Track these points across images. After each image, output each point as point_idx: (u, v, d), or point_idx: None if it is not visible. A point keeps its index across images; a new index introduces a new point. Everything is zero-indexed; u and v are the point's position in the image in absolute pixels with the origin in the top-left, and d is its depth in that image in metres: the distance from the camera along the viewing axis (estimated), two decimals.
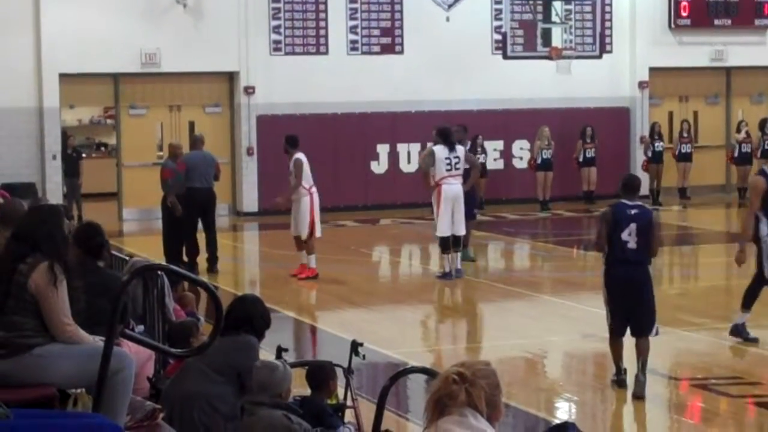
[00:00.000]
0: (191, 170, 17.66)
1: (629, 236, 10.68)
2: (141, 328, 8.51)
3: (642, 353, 10.69)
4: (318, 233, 17.27)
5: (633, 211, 10.76)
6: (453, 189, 16.81)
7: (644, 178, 27.19)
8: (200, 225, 17.95)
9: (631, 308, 10.76)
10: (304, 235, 17.15)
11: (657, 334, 10.86)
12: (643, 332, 10.73)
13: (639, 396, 10.55)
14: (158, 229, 19.12)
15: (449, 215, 16.83)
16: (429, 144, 18.92)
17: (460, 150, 17.02)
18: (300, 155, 17.08)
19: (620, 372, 10.92)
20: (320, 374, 7.66)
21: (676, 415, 10.63)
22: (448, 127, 17.46)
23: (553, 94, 26.37)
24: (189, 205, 17.67)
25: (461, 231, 17.02)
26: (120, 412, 5.93)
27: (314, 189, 17.24)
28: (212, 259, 17.91)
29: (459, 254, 17.17)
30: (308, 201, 17.07)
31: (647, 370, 10.69)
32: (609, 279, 10.93)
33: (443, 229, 16.88)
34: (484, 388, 4.43)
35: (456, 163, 16.82)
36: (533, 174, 25.96)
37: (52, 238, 6.15)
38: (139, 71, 24.37)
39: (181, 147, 18.61)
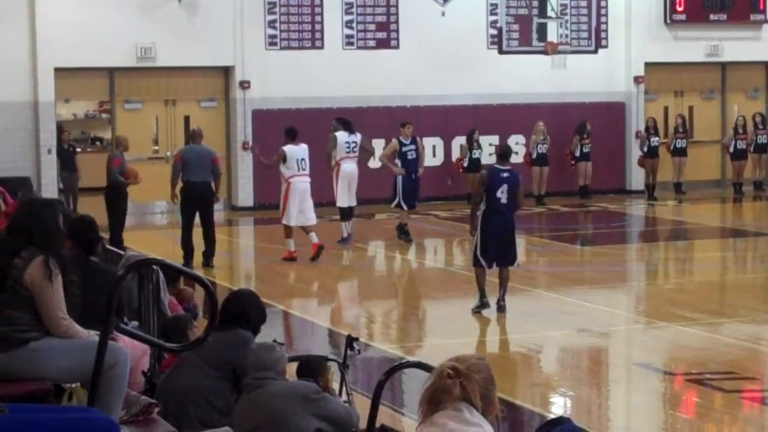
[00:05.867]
0: (186, 164, 17.66)
1: (502, 193, 13.85)
2: (135, 323, 8.49)
3: (504, 282, 14.09)
4: (288, 221, 18.22)
5: (505, 174, 13.96)
6: (350, 168, 19.74)
7: (640, 174, 27.29)
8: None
9: (500, 246, 13.92)
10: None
11: (518, 266, 14.50)
12: (507, 263, 14.02)
13: (500, 312, 13.95)
14: (154, 224, 19.16)
15: (346, 189, 19.71)
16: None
17: (358, 136, 19.89)
18: (287, 147, 18.36)
19: (484, 297, 13.99)
20: (309, 369, 7.63)
21: (670, 410, 10.65)
22: (345, 117, 20.60)
23: (549, 89, 26.36)
24: (185, 199, 17.70)
25: (354, 202, 19.99)
26: (115, 406, 5.92)
27: (295, 179, 18.20)
28: (208, 254, 17.76)
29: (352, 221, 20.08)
30: (284, 189, 18.28)
31: None
32: (486, 225, 13.90)
33: (342, 201, 19.77)
34: (479, 383, 4.42)
35: (354, 147, 19.78)
36: (529, 169, 25.94)
37: (47, 232, 6.13)
38: (134, 65, 24.34)
39: (126, 140, 19.85)
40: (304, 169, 18.32)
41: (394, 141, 20.50)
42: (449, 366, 4.43)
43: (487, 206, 13.88)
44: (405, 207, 20.10)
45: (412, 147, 20.35)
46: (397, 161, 20.19)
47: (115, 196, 18.57)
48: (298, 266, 17.92)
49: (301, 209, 18.28)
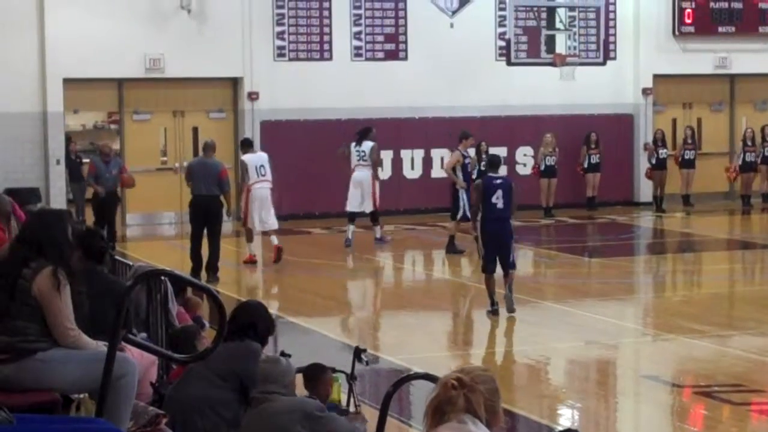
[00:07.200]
0: (192, 177, 17.66)
1: (497, 199, 14.59)
2: (144, 335, 8.50)
3: (509, 282, 14.54)
4: (251, 224, 18.95)
5: (498, 181, 14.83)
6: (359, 175, 20.75)
7: (648, 185, 27.26)
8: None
9: (500, 251, 14.60)
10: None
11: (515, 268, 14.83)
12: (509, 267, 14.59)
13: (510, 310, 14.40)
14: (162, 235, 19.14)
15: (356, 195, 20.74)
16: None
17: (367, 144, 20.69)
18: (245, 156, 19.23)
19: (494, 304, 14.54)
20: (311, 373, 7.67)
21: (678, 422, 10.63)
22: (368, 127, 21.35)
23: (557, 100, 26.36)
24: (190, 212, 17.64)
25: (369, 208, 20.80)
26: (123, 417, 5.93)
27: (256, 186, 18.82)
28: (209, 268, 17.41)
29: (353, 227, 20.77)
30: (244, 196, 19.07)
31: None
32: (486, 231, 14.66)
33: (352, 206, 20.77)
34: (483, 394, 4.41)
35: (363, 156, 20.69)
36: (537, 181, 25.95)
37: (56, 243, 6.16)
38: (143, 76, 24.39)
39: (107, 146, 20.68)
40: (263, 175, 18.91)
41: (458, 152, 20.27)
42: (454, 377, 4.42)
43: (484, 214, 14.68)
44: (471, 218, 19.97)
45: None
46: (459, 174, 20.00)
47: (96, 201, 19.44)
48: (305, 277, 17.94)
49: (260, 214, 18.89)
